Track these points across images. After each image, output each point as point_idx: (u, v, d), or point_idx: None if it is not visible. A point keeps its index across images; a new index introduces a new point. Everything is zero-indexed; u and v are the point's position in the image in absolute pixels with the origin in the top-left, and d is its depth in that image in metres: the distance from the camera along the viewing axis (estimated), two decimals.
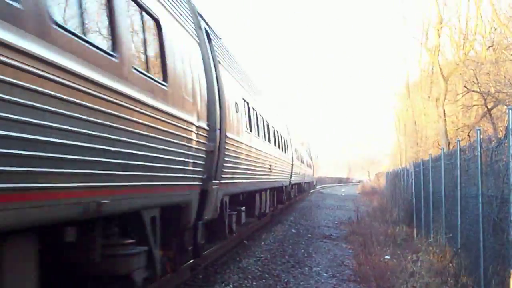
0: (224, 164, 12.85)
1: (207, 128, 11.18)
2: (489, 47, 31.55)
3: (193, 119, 10.08)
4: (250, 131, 16.85)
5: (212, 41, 13.09)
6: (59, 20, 5.32)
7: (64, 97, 5.27)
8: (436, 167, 16.97)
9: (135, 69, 7.20)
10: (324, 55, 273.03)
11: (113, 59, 6.46)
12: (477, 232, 10.77)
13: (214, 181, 11.94)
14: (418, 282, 12.52)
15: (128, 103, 6.80)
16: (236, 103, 14.47)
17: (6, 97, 4.41)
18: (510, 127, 8.26)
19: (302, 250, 18.29)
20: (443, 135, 32.72)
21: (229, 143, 13.17)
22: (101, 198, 6.19)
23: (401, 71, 74.43)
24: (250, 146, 16.39)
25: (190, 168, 9.95)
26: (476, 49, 34.16)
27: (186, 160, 9.69)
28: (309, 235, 22.62)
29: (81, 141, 5.63)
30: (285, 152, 28.54)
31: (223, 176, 12.81)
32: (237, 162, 14.52)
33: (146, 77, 7.62)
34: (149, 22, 8.27)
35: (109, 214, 6.74)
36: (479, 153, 10.61)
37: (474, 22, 32.87)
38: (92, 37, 6.16)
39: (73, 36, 5.52)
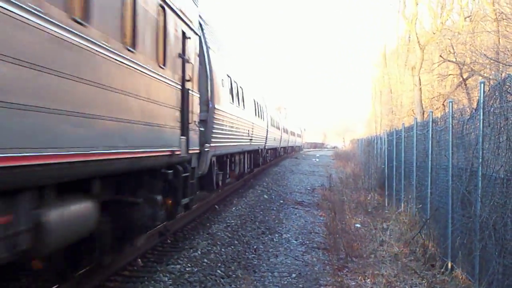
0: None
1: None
2: (467, 17, 31.47)
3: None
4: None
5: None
6: None
7: None
8: (409, 136, 16.97)
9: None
10: (301, 23, 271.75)
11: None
12: (446, 204, 10.80)
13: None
14: (387, 252, 12.57)
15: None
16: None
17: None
18: (481, 101, 8.21)
19: (273, 216, 18.28)
20: (418, 103, 32.76)
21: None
22: None
23: (379, 40, 74.39)
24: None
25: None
26: (453, 19, 34.11)
27: None
28: (281, 201, 22.63)
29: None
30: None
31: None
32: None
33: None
34: None
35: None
36: (450, 125, 10.58)
37: None
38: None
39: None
